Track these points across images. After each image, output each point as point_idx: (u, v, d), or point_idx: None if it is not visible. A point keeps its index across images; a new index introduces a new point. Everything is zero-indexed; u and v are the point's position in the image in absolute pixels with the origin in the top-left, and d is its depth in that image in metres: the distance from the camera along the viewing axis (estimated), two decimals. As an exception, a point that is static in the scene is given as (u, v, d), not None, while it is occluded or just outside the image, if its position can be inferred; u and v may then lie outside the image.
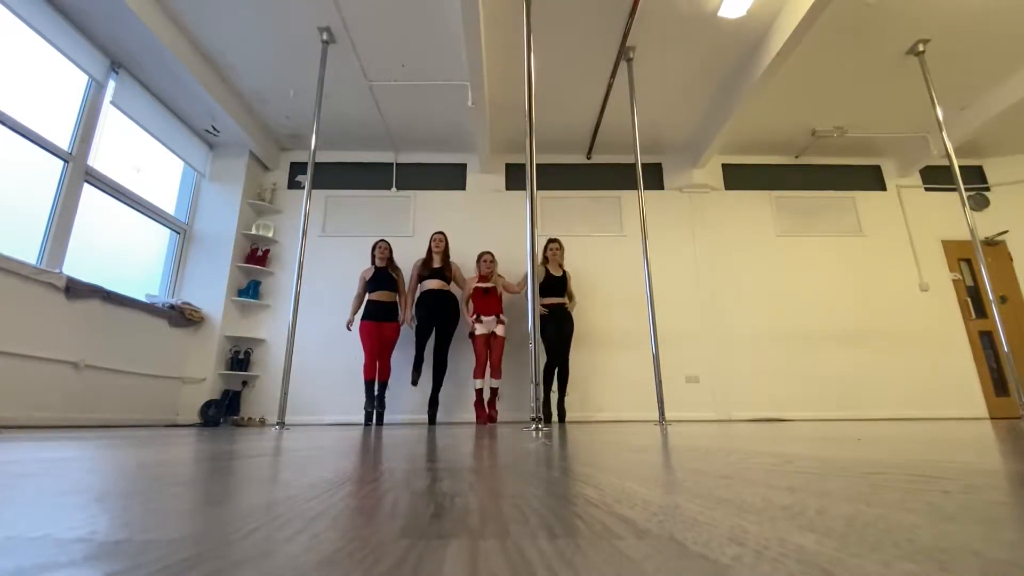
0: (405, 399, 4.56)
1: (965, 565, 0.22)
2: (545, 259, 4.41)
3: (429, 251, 4.41)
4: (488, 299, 4.27)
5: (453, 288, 4.42)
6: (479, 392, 4.15)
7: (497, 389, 4.21)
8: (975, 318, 5.09)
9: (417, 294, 4.33)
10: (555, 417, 4.34)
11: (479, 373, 4.16)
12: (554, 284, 4.36)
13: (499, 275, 4.56)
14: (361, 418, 4.57)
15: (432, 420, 4.07)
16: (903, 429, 2.06)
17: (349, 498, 0.44)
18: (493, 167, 5.49)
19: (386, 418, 4.55)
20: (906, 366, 4.90)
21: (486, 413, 4.12)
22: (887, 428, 2.19)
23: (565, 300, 4.34)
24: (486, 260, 4.38)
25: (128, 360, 3.84)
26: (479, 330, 4.20)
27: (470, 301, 4.36)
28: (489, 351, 4.17)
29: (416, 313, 4.28)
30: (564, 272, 4.42)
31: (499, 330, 4.22)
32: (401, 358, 4.51)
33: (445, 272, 4.36)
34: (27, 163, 3.32)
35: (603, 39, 3.98)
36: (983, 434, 1.57)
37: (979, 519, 0.33)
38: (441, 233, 4.44)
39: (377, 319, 4.20)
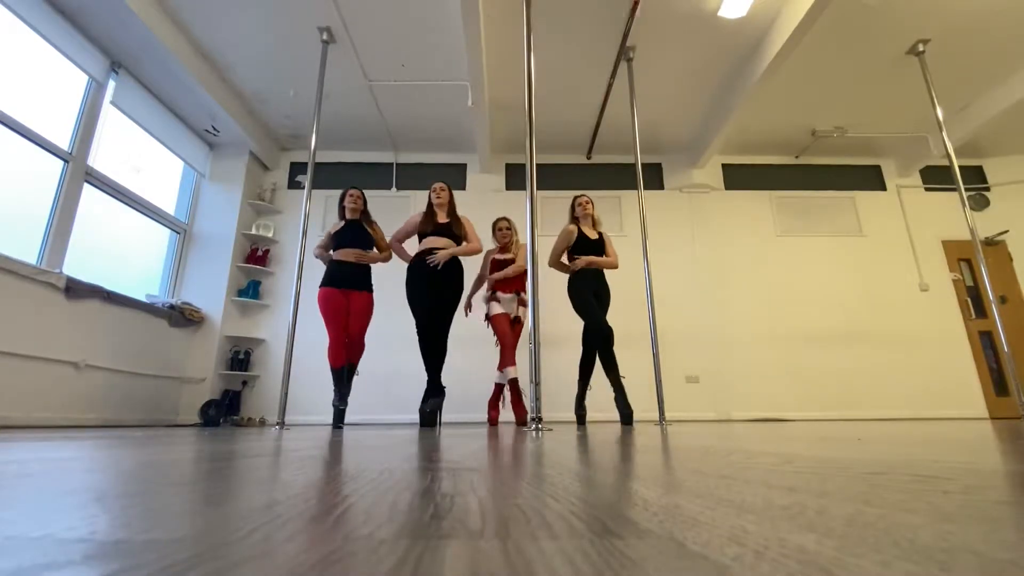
0: (409, 396, 4.53)
1: (965, 565, 0.22)
2: (575, 219, 3.54)
3: (430, 204, 3.40)
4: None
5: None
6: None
7: (516, 380, 3.40)
8: (975, 318, 5.09)
9: (413, 258, 3.32)
10: (577, 416, 3.45)
11: (508, 360, 3.38)
12: (590, 247, 3.44)
13: (521, 243, 3.73)
14: (360, 418, 4.55)
15: (430, 420, 3.03)
16: (903, 429, 2.06)
17: (349, 497, 0.44)
18: (493, 167, 5.50)
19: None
20: (906, 366, 4.90)
21: (525, 411, 3.34)
22: (887, 428, 2.19)
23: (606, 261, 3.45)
24: (502, 228, 3.68)
25: (128, 360, 3.84)
26: (496, 309, 3.48)
27: (486, 277, 3.66)
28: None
29: (407, 283, 3.25)
30: (601, 234, 3.53)
31: (521, 312, 3.50)
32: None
33: (454, 229, 3.32)
34: (27, 163, 3.33)
35: (603, 39, 3.99)
36: (983, 434, 1.57)
37: (979, 519, 0.33)
38: (443, 183, 3.45)
39: (343, 286, 3.21)
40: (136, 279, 4.32)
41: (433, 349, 3.15)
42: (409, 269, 3.28)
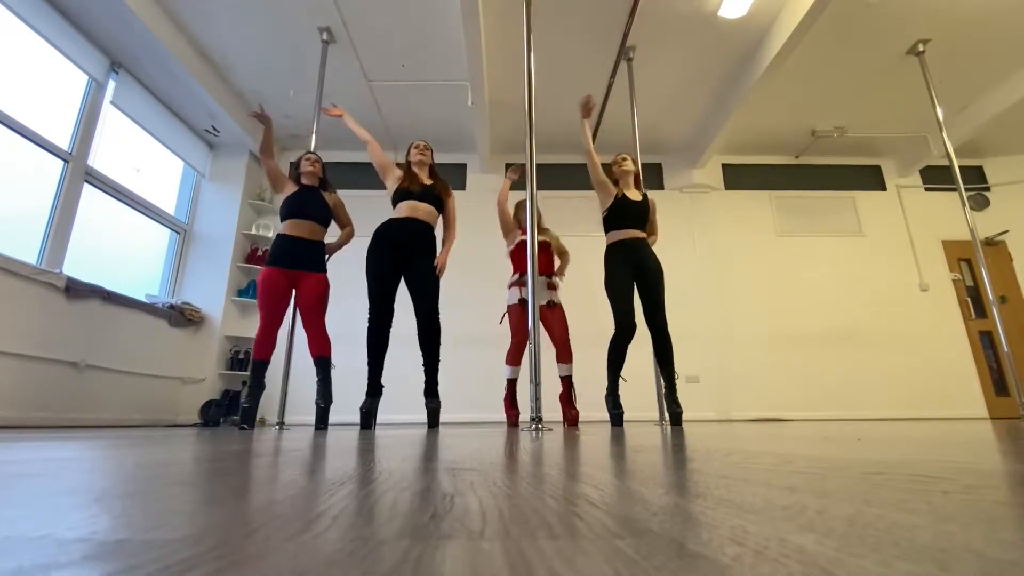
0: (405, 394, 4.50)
1: (965, 565, 0.22)
2: (615, 181, 3.05)
3: (409, 164, 2.92)
4: (538, 256, 3.11)
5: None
6: (511, 384, 3.15)
7: (570, 379, 3.13)
8: (975, 318, 5.09)
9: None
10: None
11: (513, 358, 3.12)
12: (632, 212, 2.91)
13: (550, 231, 3.48)
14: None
15: (434, 421, 2.71)
16: (903, 429, 2.06)
17: (349, 498, 0.44)
18: (493, 167, 5.50)
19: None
20: (906, 366, 4.90)
21: (516, 412, 3.15)
22: (887, 428, 2.19)
23: (644, 234, 2.98)
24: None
25: (128, 360, 3.84)
26: (513, 297, 3.18)
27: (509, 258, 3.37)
28: (549, 328, 3.16)
29: (369, 253, 2.74)
30: (645, 196, 3.04)
31: (555, 296, 3.21)
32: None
33: (437, 191, 2.83)
34: (27, 163, 3.33)
35: (603, 39, 3.99)
36: (983, 434, 1.57)
37: (979, 519, 0.33)
38: (426, 141, 3.05)
39: (289, 265, 2.74)
40: (136, 279, 4.32)
41: (424, 338, 2.71)
42: (376, 235, 2.77)
